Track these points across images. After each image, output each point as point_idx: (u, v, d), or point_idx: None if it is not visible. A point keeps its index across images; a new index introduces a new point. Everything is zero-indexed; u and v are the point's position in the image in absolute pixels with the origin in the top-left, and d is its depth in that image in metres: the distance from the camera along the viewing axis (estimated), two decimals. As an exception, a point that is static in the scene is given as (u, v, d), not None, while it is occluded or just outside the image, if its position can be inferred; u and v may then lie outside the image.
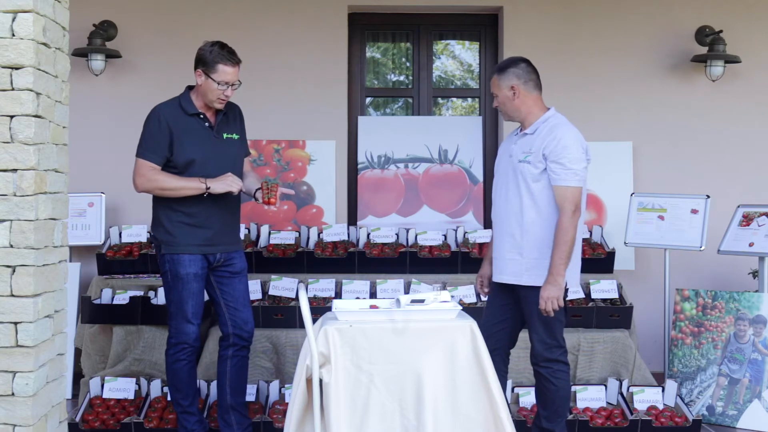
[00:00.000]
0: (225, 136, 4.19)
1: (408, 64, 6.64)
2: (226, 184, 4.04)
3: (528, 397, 4.76)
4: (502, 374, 4.06)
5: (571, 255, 3.85)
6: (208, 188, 4.00)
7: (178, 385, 4.21)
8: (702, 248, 5.38)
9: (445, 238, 5.67)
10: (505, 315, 4.02)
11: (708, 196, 5.47)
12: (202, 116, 4.14)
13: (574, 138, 3.88)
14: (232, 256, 4.24)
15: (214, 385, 4.76)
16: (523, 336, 4.11)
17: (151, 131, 4.07)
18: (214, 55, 4.02)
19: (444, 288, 4.13)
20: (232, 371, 4.25)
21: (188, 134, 4.08)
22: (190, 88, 4.19)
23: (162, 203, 4.13)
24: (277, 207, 4.12)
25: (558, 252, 3.78)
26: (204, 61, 4.04)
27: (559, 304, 3.78)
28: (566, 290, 3.92)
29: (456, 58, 6.75)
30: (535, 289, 3.85)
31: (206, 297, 4.33)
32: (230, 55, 4.05)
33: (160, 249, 4.16)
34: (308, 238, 5.69)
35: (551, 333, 3.90)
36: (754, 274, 5.65)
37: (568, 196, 3.81)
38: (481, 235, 5.63)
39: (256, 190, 4.16)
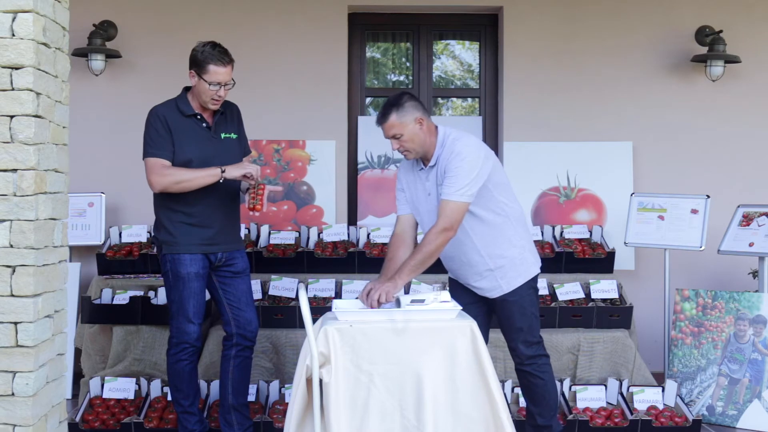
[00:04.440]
0: (223, 135, 4.19)
1: (408, 64, 6.64)
2: (241, 168, 4.01)
3: (528, 397, 4.77)
4: None
5: (423, 266, 3.64)
6: (223, 171, 3.98)
7: (179, 385, 4.21)
8: (702, 248, 5.38)
9: (445, 238, 5.66)
10: (480, 315, 3.87)
11: (708, 196, 5.47)
12: (199, 117, 4.13)
13: (466, 151, 3.67)
14: (233, 255, 4.24)
15: (214, 385, 4.76)
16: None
17: (155, 130, 4.06)
18: (205, 55, 3.99)
19: (444, 288, 4.11)
20: (235, 371, 4.24)
21: (186, 135, 4.08)
22: (187, 89, 4.19)
23: (162, 204, 4.13)
24: (263, 210, 4.10)
25: (412, 258, 3.60)
26: (196, 62, 4.02)
27: (387, 299, 3.51)
28: (537, 284, 3.93)
29: (456, 58, 6.75)
30: (515, 292, 3.84)
31: (207, 297, 4.34)
32: (221, 55, 4.00)
33: (161, 249, 4.16)
34: (308, 238, 5.69)
35: (533, 332, 3.90)
36: (754, 274, 5.66)
37: (444, 210, 3.63)
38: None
39: (247, 189, 4.15)
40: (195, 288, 4.12)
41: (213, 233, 4.14)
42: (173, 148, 4.05)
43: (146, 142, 4.08)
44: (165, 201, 4.11)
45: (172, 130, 4.06)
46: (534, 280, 3.92)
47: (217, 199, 4.12)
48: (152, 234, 5.33)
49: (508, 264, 3.83)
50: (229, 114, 4.25)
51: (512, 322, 3.88)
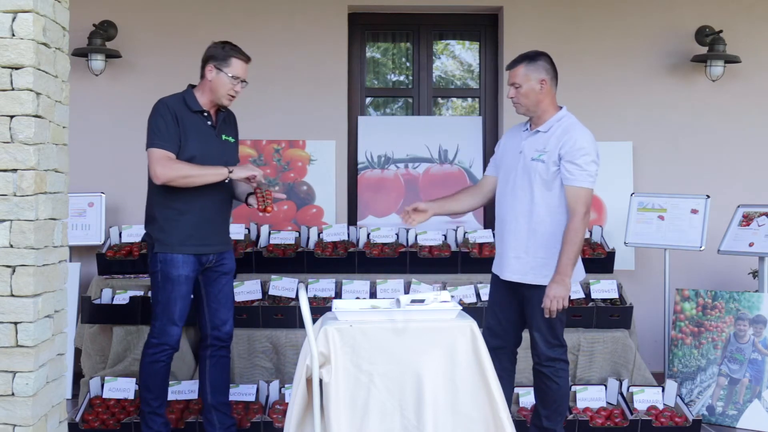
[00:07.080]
0: (223, 137, 4.19)
1: (408, 64, 6.64)
2: (246, 170, 4.04)
3: (528, 397, 4.76)
4: (510, 373, 4.07)
5: (579, 256, 3.84)
6: (230, 172, 3.99)
7: (151, 386, 4.14)
8: (702, 248, 5.38)
9: (445, 238, 5.67)
10: (511, 313, 4.01)
11: (708, 196, 5.47)
12: (205, 114, 4.14)
13: (590, 140, 3.87)
14: (223, 256, 4.24)
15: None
16: (523, 336, 4.11)
17: (164, 121, 4.01)
18: (227, 50, 4.09)
19: (444, 288, 4.12)
20: (212, 371, 4.24)
21: (192, 130, 4.07)
22: (192, 87, 4.19)
23: (159, 201, 4.08)
24: (275, 209, 4.11)
25: (566, 252, 3.76)
26: (216, 57, 4.08)
27: (564, 304, 3.76)
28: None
29: (456, 58, 6.75)
30: (540, 288, 3.84)
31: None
32: (242, 52, 4.13)
33: (153, 247, 4.11)
34: (308, 238, 5.68)
35: (554, 333, 3.90)
36: (754, 274, 5.66)
37: (582, 197, 3.79)
38: (480, 235, 5.64)
39: (249, 194, 4.17)
40: (183, 291, 4.08)
41: (207, 234, 4.11)
42: (180, 142, 4.02)
43: (153, 132, 4.00)
44: (162, 198, 4.06)
45: (180, 123, 4.04)
46: None
47: (212, 200, 4.10)
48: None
49: (542, 259, 3.85)
50: (228, 118, 4.27)
51: (535, 318, 3.89)
